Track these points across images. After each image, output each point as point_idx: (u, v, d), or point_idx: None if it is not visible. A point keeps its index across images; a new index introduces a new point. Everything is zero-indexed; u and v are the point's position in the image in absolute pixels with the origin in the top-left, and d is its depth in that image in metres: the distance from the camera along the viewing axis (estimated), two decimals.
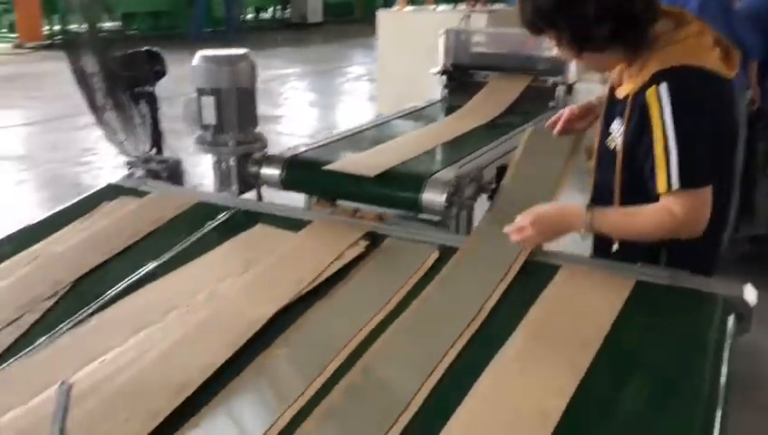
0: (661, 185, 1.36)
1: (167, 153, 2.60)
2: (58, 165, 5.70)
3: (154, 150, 2.68)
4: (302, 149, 2.01)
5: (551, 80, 2.65)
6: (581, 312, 1.38)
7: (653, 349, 1.28)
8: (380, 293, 1.47)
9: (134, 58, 2.87)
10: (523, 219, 1.50)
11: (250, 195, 2.13)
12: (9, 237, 1.80)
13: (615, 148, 1.49)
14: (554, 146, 1.81)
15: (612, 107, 1.53)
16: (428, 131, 2.25)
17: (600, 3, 1.34)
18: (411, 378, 1.21)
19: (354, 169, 1.80)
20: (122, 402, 1.20)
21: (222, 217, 1.83)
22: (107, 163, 5.30)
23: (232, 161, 1.95)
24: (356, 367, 1.25)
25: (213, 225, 1.80)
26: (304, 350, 1.35)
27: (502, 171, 1.88)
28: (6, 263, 1.67)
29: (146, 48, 2.83)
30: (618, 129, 1.48)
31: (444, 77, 2.84)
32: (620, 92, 1.48)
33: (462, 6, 5.78)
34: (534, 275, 1.50)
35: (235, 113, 1.89)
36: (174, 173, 2.16)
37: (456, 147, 2.09)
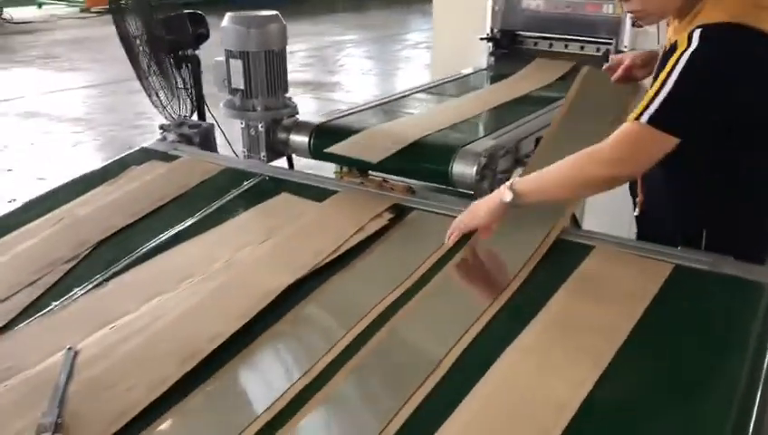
0: (632, 115, 1.27)
1: (209, 118, 2.57)
2: (113, 127, 5.80)
3: (195, 115, 2.67)
4: (334, 115, 1.95)
5: (603, 49, 2.50)
6: (611, 297, 1.28)
7: (686, 340, 1.17)
8: (401, 266, 1.41)
9: (176, 21, 2.85)
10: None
11: (281, 162, 2.09)
12: (38, 199, 1.80)
13: None
14: (612, 92, 1.71)
15: (661, 64, 1.42)
16: (467, 101, 2.15)
17: None
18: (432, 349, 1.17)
19: (357, 153, 1.72)
20: (126, 371, 1.17)
21: (247, 184, 1.79)
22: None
23: (261, 127, 1.90)
24: (380, 332, 1.22)
25: (237, 192, 1.76)
26: (317, 323, 1.31)
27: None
28: (31, 224, 1.67)
29: (189, 11, 2.81)
30: None
31: (490, 44, 2.72)
32: (666, 45, 1.38)
33: None
34: (566, 254, 1.41)
35: (264, 77, 1.84)
36: (206, 138, 2.13)
37: (494, 118, 1.98)
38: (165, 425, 1.07)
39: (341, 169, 1.95)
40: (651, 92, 1.27)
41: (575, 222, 1.84)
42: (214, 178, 1.85)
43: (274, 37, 1.83)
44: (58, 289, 1.44)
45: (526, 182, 1.36)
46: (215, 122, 2.27)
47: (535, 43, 2.69)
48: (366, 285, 1.39)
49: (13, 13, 12.02)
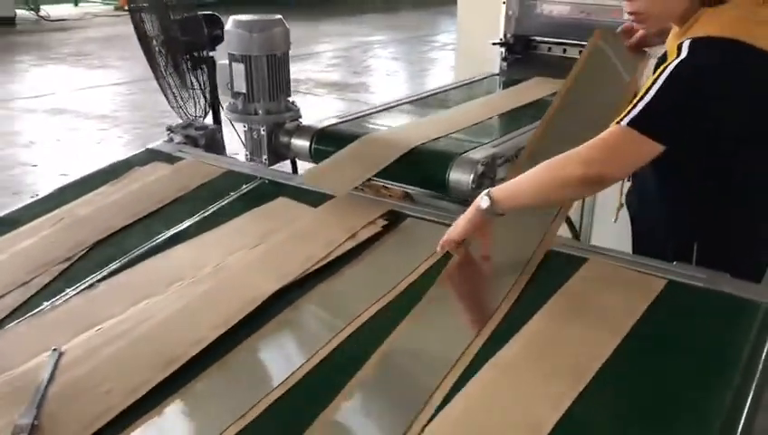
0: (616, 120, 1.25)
1: (224, 119, 2.59)
2: (138, 125, 5.88)
3: (210, 116, 2.69)
4: (335, 120, 1.94)
5: None
6: (598, 312, 1.26)
7: (672, 359, 1.15)
8: (389, 275, 1.40)
9: (192, 22, 2.87)
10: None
11: (286, 165, 2.09)
12: (41, 199, 1.82)
13: None
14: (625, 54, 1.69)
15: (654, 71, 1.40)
16: (471, 108, 2.12)
17: None
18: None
19: (325, 184, 1.70)
20: (107, 373, 1.18)
21: (245, 187, 1.79)
22: None
23: (262, 130, 1.90)
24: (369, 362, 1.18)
25: (236, 195, 1.76)
26: (298, 331, 1.31)
27: None
28: (32, 223, 1.69)
29: (205, 12, 2.83)
30: None
31: (503, 49, 2.69)
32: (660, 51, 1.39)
33: None
34: (558, 266, 1.38)
35: (266, 81, 1.84)
36: (212, 140, 2.14)
37: (495, 125, 1.96)
38: (140, 429, 1.08)
39: None
40: (636, 99, 1.26)
41: (574, 234, 1.81)
42: (214, 181, 1.85)
43: (277, 41, 1.83)
44: (51, 289, 1.45)
45: (503, 189, 1.34)
46: (230, 124, 2.28)
47: (549, 49, 2.65)
48: (352, 293, 1.38)
49: (50, 10, 12.28)
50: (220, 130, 2.19)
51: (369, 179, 1.86)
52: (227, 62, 1.91)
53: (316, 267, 1.44)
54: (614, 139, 1.24)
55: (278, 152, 1.96)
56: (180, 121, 2.49)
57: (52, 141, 5.52)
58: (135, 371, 1.18)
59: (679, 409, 1.04)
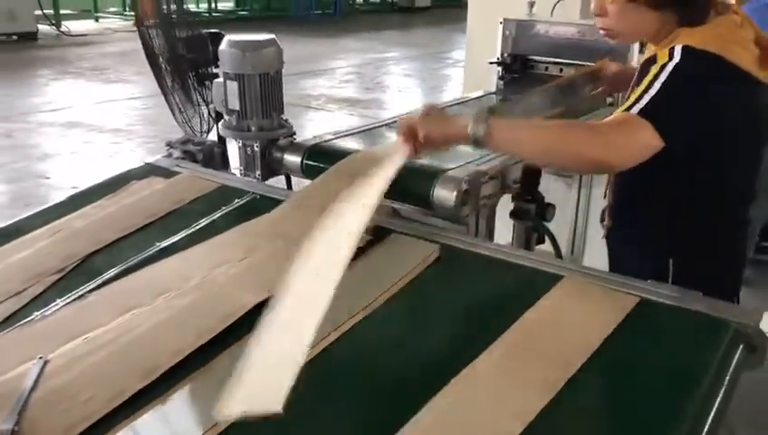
0: (620, 110, 1.28)
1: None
2: (151, 139, 5.97)
3: (214, 132, 2.75)
4: (327, 136, 1.99)
5: None
6: (570, 327, 1.28)
7: (639, 375, 1.17)
8: (364, 289, 1.43)
9: (197, 40, 2.94)
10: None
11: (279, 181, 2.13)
12: (39, 213, 1.88)
13: None
14: None
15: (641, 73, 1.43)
16: None
17: None
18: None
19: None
20: (88, 382, 1.22)
21: (238, 202, 1.83)
22: None
23: (256, 147, 1.95)
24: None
25: (227, 209, 1.81)
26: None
27: (528, 170, 1.78)
28: (28, 236, 1.75)
29: (211, 30, 2.89)
30: None
31: (500, 68, 2.72)
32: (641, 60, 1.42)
33: None
34: (532, 283, 1.41)
35: (259, 99, 1.89)
36: (209, 156, 2.19)
37: None
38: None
39: None
40: (635, 95, 1.28)
41: (557, 250, 1.83)
42: (208, 195, 1.90)
43: (270, 61, 1.87)
44: (42, 299, 1.50)
45: (502, 128, 1.29)
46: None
47: (546, 68, 2.69)
48: (334, 302, 1.40)
49: (71, 26, 12.53)
50: (223, 146, 2.24)
51: None
52: (222, 80, 1.96)
53: None
54: (633, 122, 1.24)
55: (271, 168, 2.00)
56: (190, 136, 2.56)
57: (66, 154, 5.62)
58: (115, 380, 1.21)
59: (640, 425, 1.06)
